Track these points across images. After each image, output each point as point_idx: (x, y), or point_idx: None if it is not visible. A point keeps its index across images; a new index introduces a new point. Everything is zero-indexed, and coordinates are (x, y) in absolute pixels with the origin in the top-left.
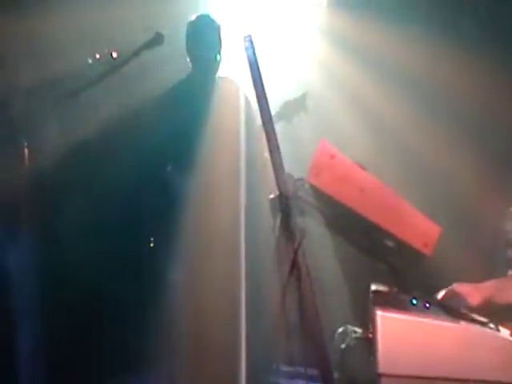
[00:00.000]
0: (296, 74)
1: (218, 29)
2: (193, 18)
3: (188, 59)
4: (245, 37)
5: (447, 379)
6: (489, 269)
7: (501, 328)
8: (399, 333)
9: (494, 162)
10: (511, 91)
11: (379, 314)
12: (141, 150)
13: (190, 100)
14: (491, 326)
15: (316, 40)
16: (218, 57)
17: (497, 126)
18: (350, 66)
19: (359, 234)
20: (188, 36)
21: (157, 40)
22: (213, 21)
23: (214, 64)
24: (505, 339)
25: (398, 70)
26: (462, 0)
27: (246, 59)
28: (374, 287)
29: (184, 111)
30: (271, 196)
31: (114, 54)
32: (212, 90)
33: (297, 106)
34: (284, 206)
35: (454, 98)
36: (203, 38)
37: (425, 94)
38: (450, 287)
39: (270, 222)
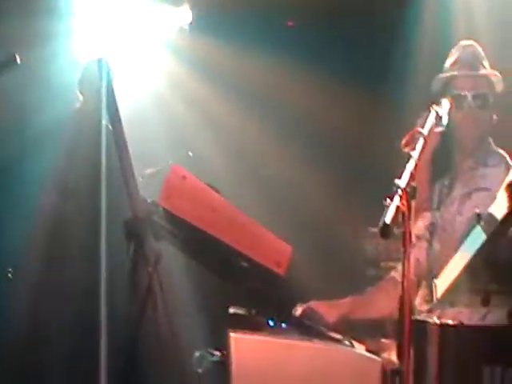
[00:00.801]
0: (154, 96)
1: (108, 72)
2: (86, 62)
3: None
4: (98, 59)
5: None
6: (348, 287)
7: (356, 344)
8: (252, 354)
9: (351, 184)
10: (366, 118)
11: (232, 335)
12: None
13: (75, 134)
14: (346, 342)
15: (177, 62)
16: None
17: (352, 150)
18: (210, 89)
19: (214, 256)
20: (81, 77)
21: (9, 62)
22: (104, 64)
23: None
24: (359, 355)
25: (256, 94)
26: (323, 28)
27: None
28: (232, 310)
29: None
30: (126, 219)
31: None
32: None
33: None
34: (138, 229)
35: (306, 121)
36: (93, 82)
37: (280, 118)
38: (306, 305)
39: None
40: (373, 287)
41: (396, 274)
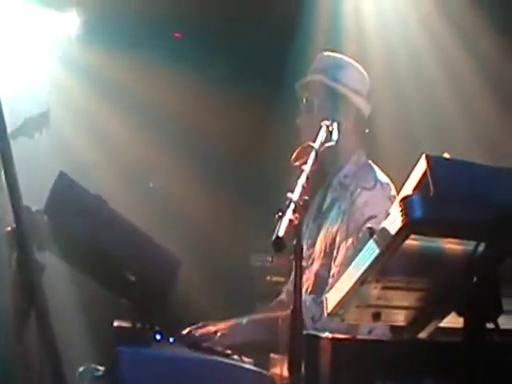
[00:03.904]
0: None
1: None
2: None
3: None
4: None
5: None
6: (242, 303)
7: (244, 359)
8: (142, 368)
9: (239, 199)
10: (256, 132)
11: (120, 349)
12: None
13: None
14: (235, 357)
15: (61, 70)
16: None
17: (243, 165)
18: (94, 96)
19: (100, 268)
20: None
21: None
22: None
23: None
24: (249, 370)
25: (145, 103)
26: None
27: None
28: (116, 323)
29: None
30: (8, 229)
31: None
32: None
33: (38, 123)
34: (21, 240)
35: (197, 133)
36: None
37: (171, 129)
38: (196, 326)
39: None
40: (264, 309)
41: (283, 296)
